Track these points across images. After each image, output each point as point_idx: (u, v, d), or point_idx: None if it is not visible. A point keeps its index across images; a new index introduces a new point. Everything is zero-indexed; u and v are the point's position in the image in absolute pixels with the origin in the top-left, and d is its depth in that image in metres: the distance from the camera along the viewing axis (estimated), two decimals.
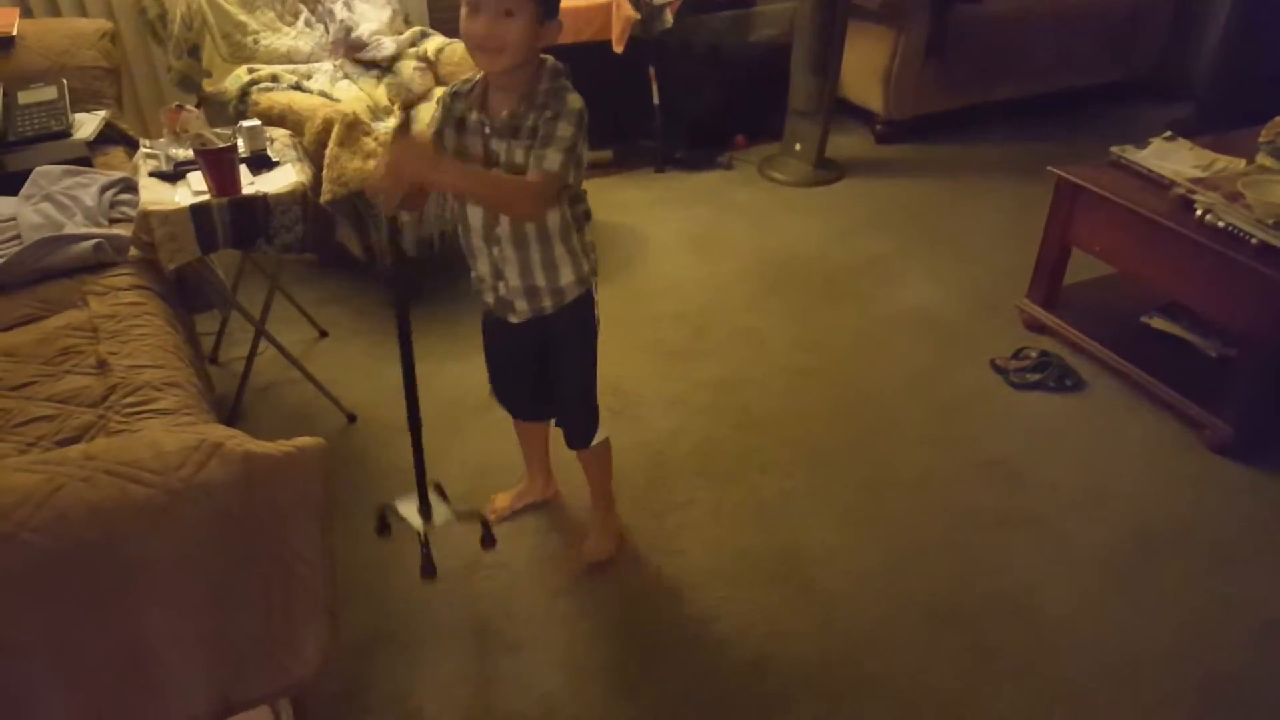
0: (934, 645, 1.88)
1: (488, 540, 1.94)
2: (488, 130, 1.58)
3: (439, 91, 3.32)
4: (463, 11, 1.52)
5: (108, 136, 2.68)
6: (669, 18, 3.83)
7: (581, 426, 1.94)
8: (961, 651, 1.86)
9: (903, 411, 2.53)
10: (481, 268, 1.72)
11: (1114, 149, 2.62)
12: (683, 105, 3.93)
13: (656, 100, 3.82)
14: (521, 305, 1.73)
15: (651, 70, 3.78)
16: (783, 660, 1.84)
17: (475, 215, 1.65)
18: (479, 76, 1.61)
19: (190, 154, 2.26)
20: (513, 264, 1.67)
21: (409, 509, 1.90)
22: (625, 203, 3.65)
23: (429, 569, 1.86)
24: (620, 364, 2.71)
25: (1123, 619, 1.94)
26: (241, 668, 1.24)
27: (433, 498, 1.91)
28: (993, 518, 2.19)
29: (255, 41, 3.20)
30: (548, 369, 1.86)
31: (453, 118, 1.62)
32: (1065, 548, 2.11)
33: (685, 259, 3.25)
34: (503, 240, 1.64)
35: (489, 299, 1.77)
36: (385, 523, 1.98)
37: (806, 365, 2.68)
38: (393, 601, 1.96)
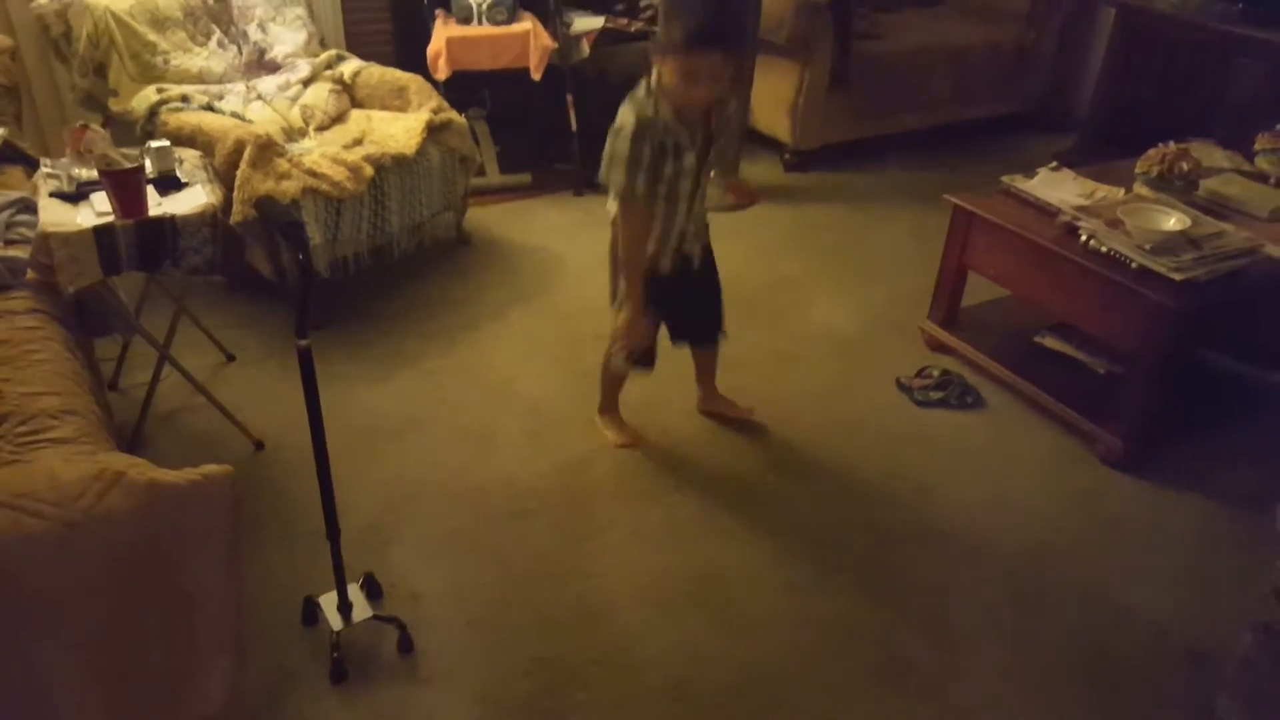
0: (850, 661, 1.93)
1: (404, 644, 1.87)
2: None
3: (355, 114, 3.31)
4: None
5: (5, 155, 2.59)
6: (585, 48, 3.89)
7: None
8: (877, 667, 1.91)
9: (815, 428, 2.60)
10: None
11: (1004, 178, 2.76)
12: (600, 131, 3.95)
13: (574, 126, 3.86)
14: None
15: (569, 97, 3.83)
16: (702, 683, 1.86)
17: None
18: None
19: (94, 174, 2.20)
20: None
21: (330, 605, 1.88)
22: (544, 225, 3.68)
23: (337, 673, 1.81)
24: (539, 385, 2.72)
25: (1028, 628, 2.02)
26: (142, 706, 1.21)
27: (355, 595, 1.90)
28: (902, 532, 2.27)
29: (165, 61, 3.14)
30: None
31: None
32: (971, 560, 2.19)
33: (604, 281, 3.27)
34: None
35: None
36: (311, 612, 1.93)
37: (724, 384, 2.73)
38: (301, 637, 1.92)
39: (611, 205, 2.11)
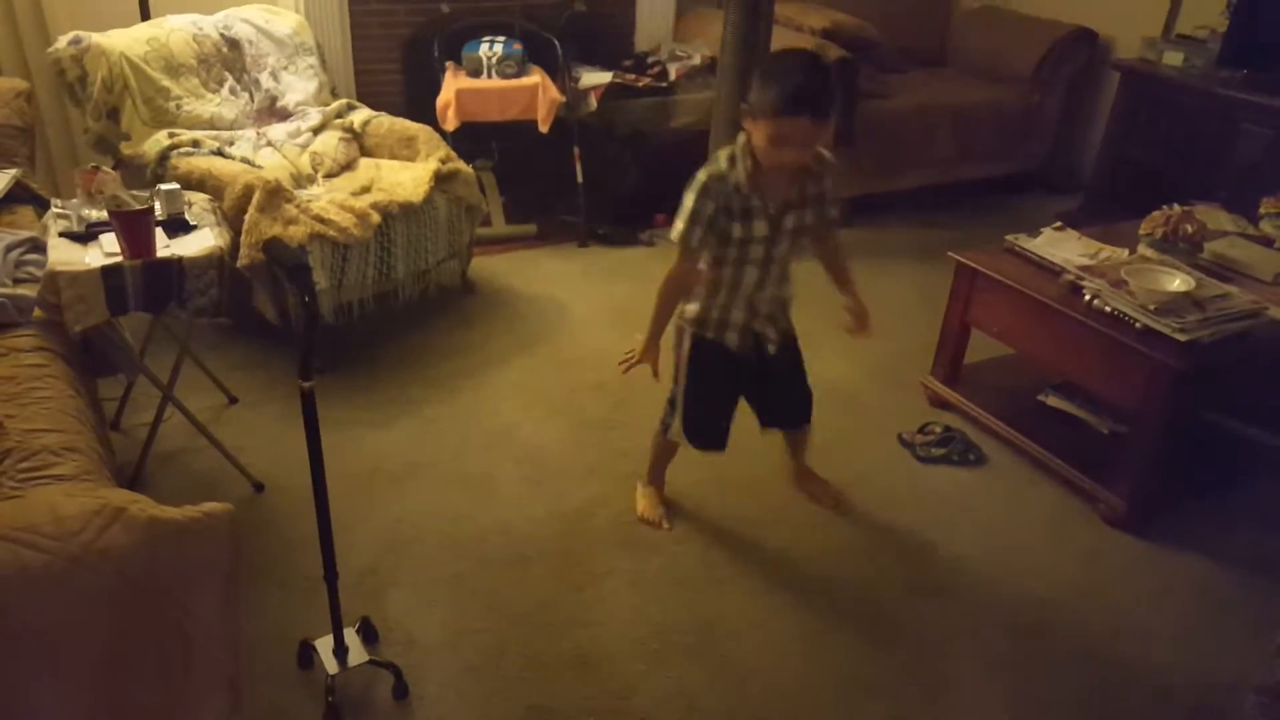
0: (849, 716, 1.90)
1: (400, 690, 1.85)
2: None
3: (364, 162, 3.35)
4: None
5: (16, 195, 2.62)
6: (593, 102, 3.96)
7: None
8: None
9: None
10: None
11: (1008, 237, 2.78)
12: (606, 184, 4.02)
13: (580, 178, 3.91)
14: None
15: (576, 150, 3.88)
16: None
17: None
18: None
19: (103, 215, 2.22)
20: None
21: (326, 648, 1.86)
22: (548, 275, 3.70)
23: (332, 717, 1.78)
24: (541, 434, 2.71)
25: (1029, 686, 2.00)
26: None
27: (351, 638, 1.88)
28: (903, 588, 2.24)
29: (178, 107, 3.18)
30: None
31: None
32: (973, 617, 2.17)
33: (606, 331, 3.29)
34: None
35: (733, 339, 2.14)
36: (307, 655, 1.91)
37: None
38: (296, 680, 1.89)
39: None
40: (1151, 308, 2.33)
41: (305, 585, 2.08)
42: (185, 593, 1.19)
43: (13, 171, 2.65)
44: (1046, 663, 2.06)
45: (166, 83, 3.19)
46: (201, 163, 2.92)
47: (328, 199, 2.89)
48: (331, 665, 1.83)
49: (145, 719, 1.17)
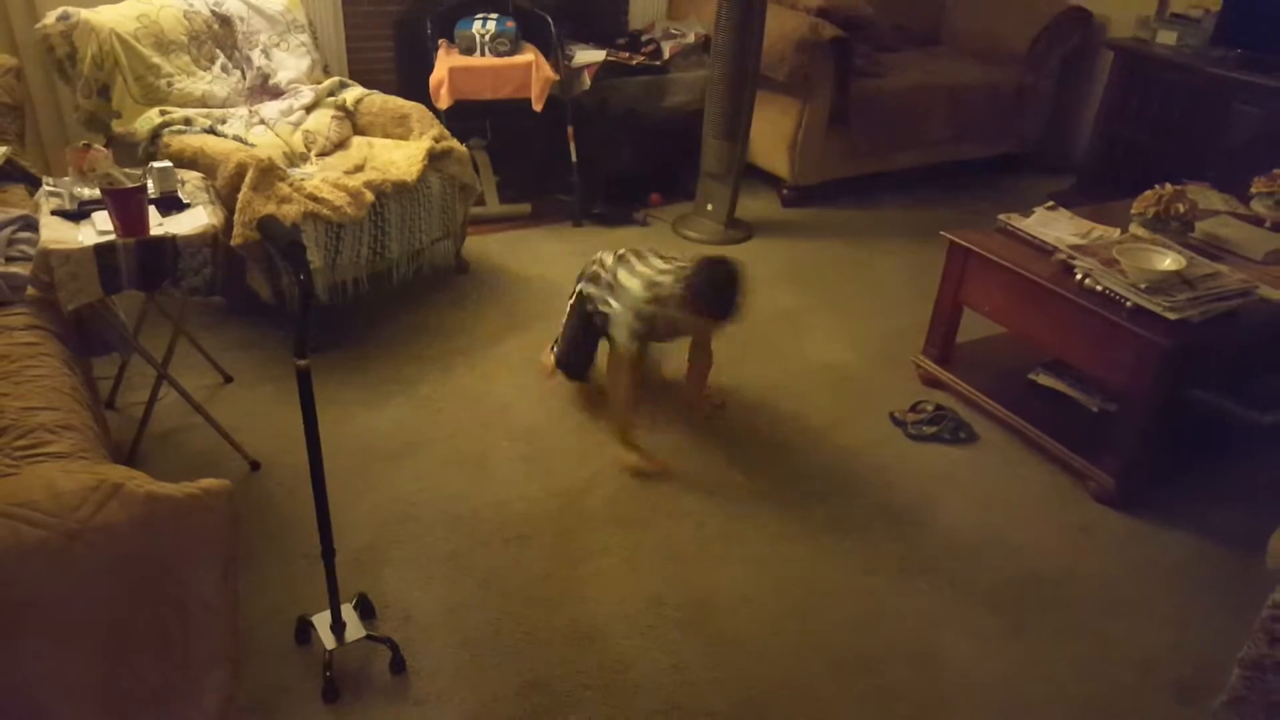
0: (840, 691, 1.92)
1: (397, 665, 1.87)
2: None
3: (357, 140, 3.34)
4: None
5: (7, 173, 2.60)
6: (586, 80, 3.95)
7: None
8: (866, 697, 1.91)
9: (809, 460, 2.61)
10: None
11: (1001, 216, 2.79)
12: (600, 163, 4.02)
13: (574, 157, 3.90)
14: None
15: (570, 129, 3.87)
16: (693, 709, 1.85)
17: None
18: None
19: (96, 193, 2.21)
20: None
21: (323, 624, 1.87)
22: (543, 254, 3.70)
23: (330, 692, 1.81)
24: (535, 412, 2.72)
25: (1015, 661, 2.02)
26: (138, 718, 1.19)
27: (348, 614, 1.89)
28: (895, 564, 2.26)
29: (169, 84, 3.16)
30: None
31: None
32: (962, 593, 2.19)
33: None
34: None
35: None
36: (305, 631, 1.93)
37: (719, 414, 2.74)
38: (294, 656, 1.91)
39: None
40: (1142, 286, 2.34)
41: (302, 562, 2.09)
42: (183, 568, 1.20)
43: (3, 149, 2.63)
44: (1033, 637, 2.08)
45: (157, 60, 3.17)
46: (194, 141, 2.90)
47: (321, 178, 2.89)
48: (329, 641, 1.84)
49: (146, 693, 1.18)
